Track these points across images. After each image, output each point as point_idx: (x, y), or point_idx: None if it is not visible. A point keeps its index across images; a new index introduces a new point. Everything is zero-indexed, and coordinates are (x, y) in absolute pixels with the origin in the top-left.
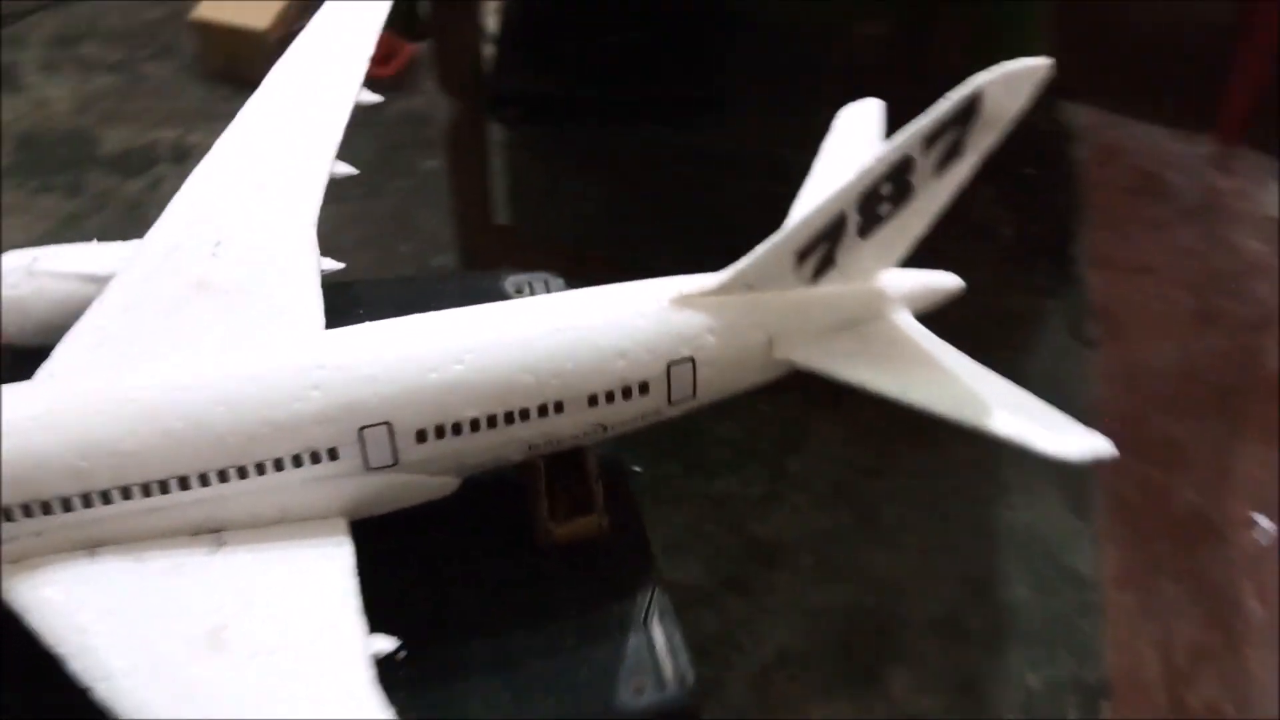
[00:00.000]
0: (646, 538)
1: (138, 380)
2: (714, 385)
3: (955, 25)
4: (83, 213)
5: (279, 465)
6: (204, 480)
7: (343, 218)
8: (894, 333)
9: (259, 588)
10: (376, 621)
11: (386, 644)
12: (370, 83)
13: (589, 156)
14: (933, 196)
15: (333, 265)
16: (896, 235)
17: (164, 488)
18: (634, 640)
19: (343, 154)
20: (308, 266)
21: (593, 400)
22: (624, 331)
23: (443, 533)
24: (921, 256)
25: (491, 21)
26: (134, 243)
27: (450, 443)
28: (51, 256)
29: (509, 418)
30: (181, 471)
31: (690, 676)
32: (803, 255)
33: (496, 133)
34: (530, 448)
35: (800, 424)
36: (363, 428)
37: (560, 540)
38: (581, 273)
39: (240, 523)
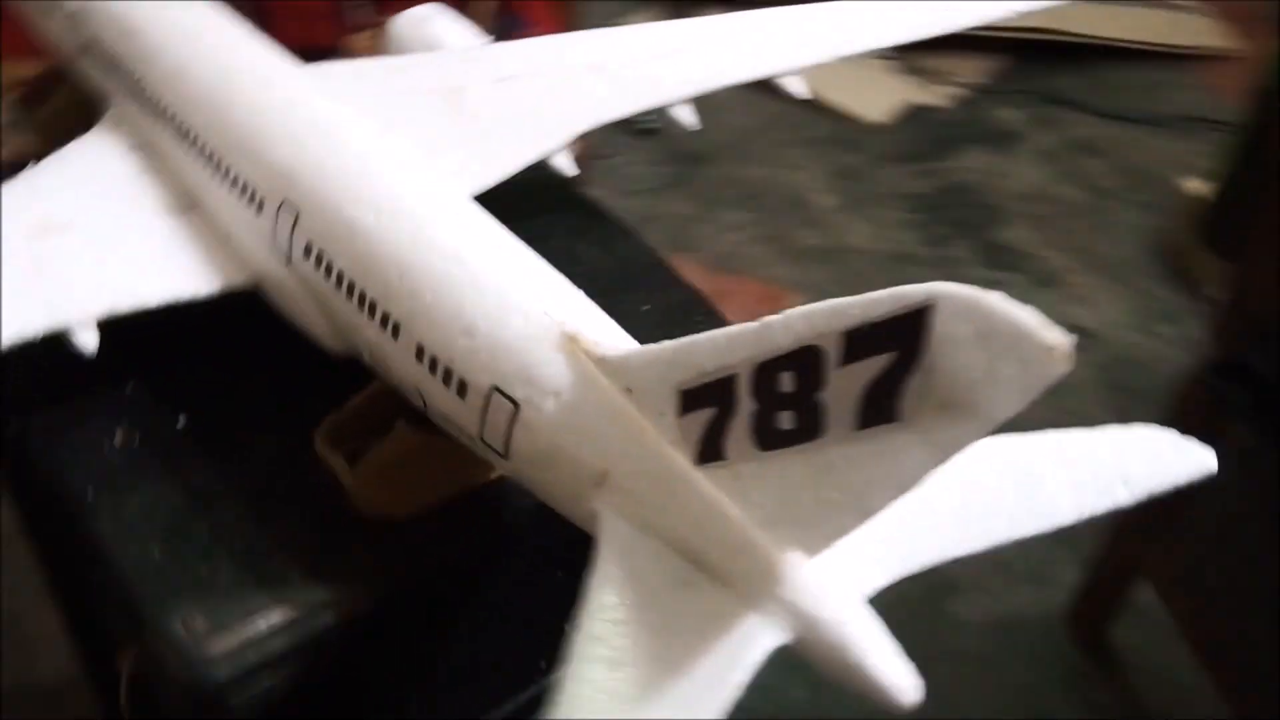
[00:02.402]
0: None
1: (256, 60)
2: (525, 460)
3: None
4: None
5: (235, 182)
6: (202, 151)
7: None
8: (721, 624)
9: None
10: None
11: None
12: None
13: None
14: (854, 464)
15: (568, 168)
16: (812, 500)
17: (179, 131)
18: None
19: None
20: (534, 144)
21: (419, 353)
22: (491, 317)
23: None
24: None
25: None
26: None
27: (320, 279)
28: (442, 19)
29: (361, 300)
30: (194, 130)
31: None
32: (686, 402)
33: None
34: (371, 357)
35: None
36: (283, 202)
37: (346, 487)
38: None
39: (205, 209)
